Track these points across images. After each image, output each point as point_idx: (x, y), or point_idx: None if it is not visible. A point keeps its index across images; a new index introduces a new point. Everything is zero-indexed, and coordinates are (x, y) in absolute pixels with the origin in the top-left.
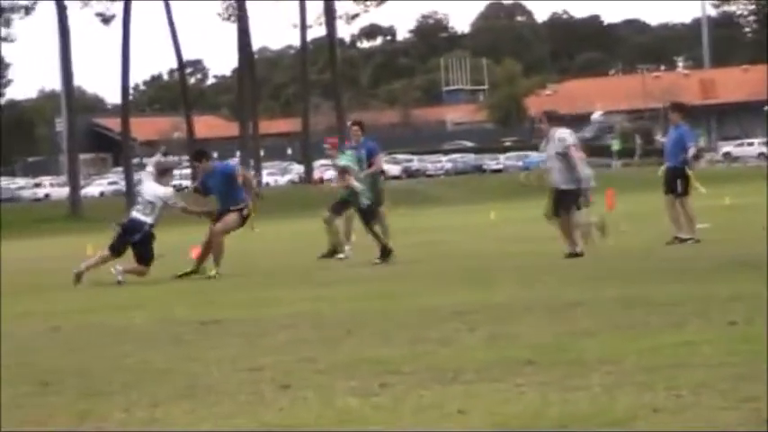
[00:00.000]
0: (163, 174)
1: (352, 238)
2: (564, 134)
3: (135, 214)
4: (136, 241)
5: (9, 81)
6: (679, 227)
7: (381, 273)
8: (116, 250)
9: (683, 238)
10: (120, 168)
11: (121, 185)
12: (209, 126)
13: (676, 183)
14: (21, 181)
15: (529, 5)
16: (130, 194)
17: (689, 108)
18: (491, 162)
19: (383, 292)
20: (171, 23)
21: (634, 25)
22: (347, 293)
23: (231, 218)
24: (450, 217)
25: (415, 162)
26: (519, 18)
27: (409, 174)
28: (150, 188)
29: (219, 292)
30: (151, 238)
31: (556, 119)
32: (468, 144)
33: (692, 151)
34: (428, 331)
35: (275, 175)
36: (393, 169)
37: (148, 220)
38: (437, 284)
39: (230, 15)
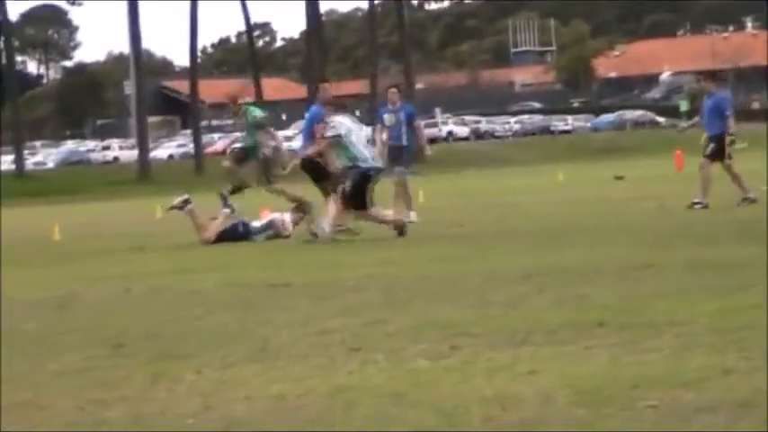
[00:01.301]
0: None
1: (412, 205)
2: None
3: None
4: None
5: (78, 44)
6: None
7: (450, 234)
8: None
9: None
10: (188, 131)
11: (190, 148)
12: (277, 88)
13: (718, 150)
14: (90, 143)
15: None
16: (198, 156)
17: (721, 74)
18: (559, 123)
19: (451, 254)
20: None
21: None
22: (415, 256)
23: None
24: (519, 179)
25: (484, 123)
26: None
27: (478, 135)
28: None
29: (287, 255)
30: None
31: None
32: (537, 105)
33: (731, 120)
34: (497, 294)
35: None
36: (461, 131)
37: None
38: (506, 246)
39: None
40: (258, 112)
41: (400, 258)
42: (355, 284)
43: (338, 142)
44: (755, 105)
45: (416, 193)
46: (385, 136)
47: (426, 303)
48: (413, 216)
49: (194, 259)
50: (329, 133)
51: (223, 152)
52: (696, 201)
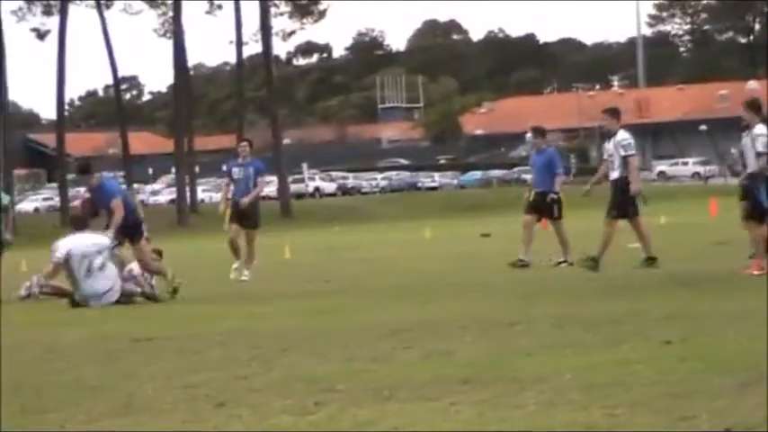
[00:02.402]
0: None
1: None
2: None
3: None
4: None
5: None
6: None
7: (316, 289)
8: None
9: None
10: (54, 184)
11: (56, 201)
12: (144, 142)
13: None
14: None
15: (465, 24)
16: (65, 210)
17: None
18: (426, 180)
19: (318, 308)
20: (107, 39)
21: (569, 44)
22: (282, 310)
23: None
24: (386, 234)
25: (351, 179)
26: (455, 36)
27: (345, 191)
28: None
29: (151, 309)
30: None
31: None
32: (404, 162)
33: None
34: (363, 349)
35: (210, 192)
36: (328, 187)
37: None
38: (372, 301)
39: (166, 32)
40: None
41: (266, 312)
42: (221, 339)
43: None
44: None
45: (282, 249)
46: (231, 188)
47: (292, 358)
48: (246, 274)
49: (55, 312)
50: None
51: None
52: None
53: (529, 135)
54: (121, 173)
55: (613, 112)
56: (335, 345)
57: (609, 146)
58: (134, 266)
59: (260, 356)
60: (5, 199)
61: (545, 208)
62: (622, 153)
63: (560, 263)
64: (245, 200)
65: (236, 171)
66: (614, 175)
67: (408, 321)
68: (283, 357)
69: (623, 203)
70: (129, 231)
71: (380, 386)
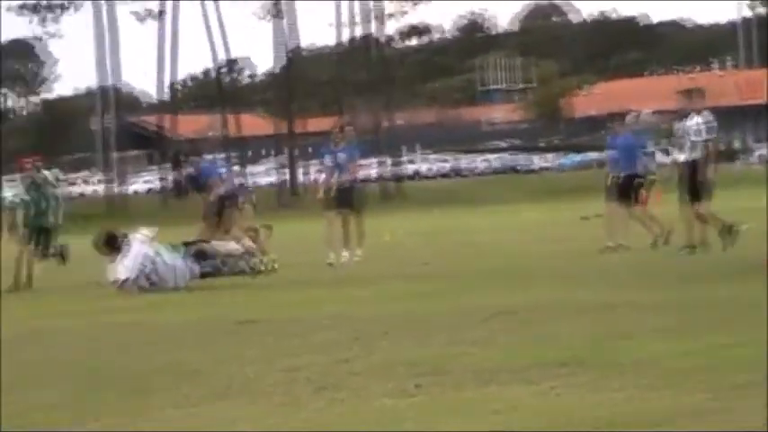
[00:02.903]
0: None
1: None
2: None
3: None
4: None
5: (46, 79)
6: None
7: (417, 273)
8: None
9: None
10: (154, 167)
11: (156, 184)
12: (245, 124)
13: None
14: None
15: (566, 7)
16: (166, 191)
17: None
18: (526, 162)
19: (418, 292)
20: (207, 23)
21: (671, 26)
22: (383, 294)
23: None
24: (486, 217)
25: (451, 162)
26: (556, 19)
27: (445, 174)
28: None
29: (254, 292)
30: None
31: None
32: (504, 144)
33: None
34: (464, 332)
35: (311, 174)
36: (428, 169)
37: None
38: (473, 285)
39: (268, 14)
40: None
41: (368, 297)
42: (323, 322)
43: None
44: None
45: (383, 232)
46: (323, 176)
47: (394, 341)
48: (358, 254)
49: (161, 296)
50: None
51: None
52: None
53: (629, 117)
54: (222, 155)
55: (689, 94)
56: (436, 328)
57: (681, 127)
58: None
59: (361, 340)
60: (51, 175)
61: (626, 192)
62: (700, 138)
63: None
64: (345, 178)
65: (330, 158)
66: (686, 156)
67: (509, 305)
68: (384, 341)
69: (696, 187)
70: (226, 201)
71: (481, 369)
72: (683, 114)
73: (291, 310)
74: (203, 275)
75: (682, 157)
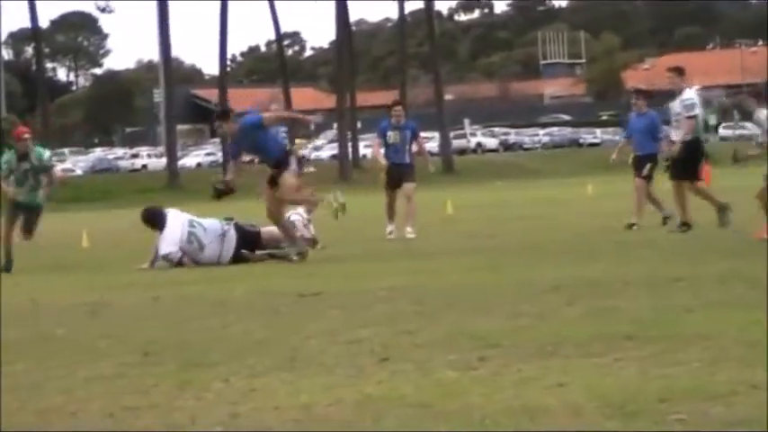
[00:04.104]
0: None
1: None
2: None
3: None
4: None
5: (108, 51)
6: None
7: (480, 245)
8: None
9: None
10: (216, 139)
11: (218, 156)
12: (306, 98)
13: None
14: (119, 151)
15: None
16: (227, 165)
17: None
18: (588, 136)
19: (481, 264)
20: None
21: (735, 1)
22: (446, 266)
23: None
24: (548, 190)
25: (513, 135)
26: None
27: (506, 147)
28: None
29: (317, 265)
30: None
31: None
32: (566, 118)
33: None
34: (527, 305)
35: (369, 148)
36: (490, 142)
37: None
38: (536, 258)
39: None
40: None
41: (430, 268)
42: (385, 294)
43: None
44: None
45: (445, 205)
46: (382, 152)
47: (456, 314)
48: (410, 231)
49: (223, 268)
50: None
51: (251, 161)
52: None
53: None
54: (284, 128)
55: (679, 71)
56: (499, 301)
57: (675, 105)
58: (293, 216)
59: (424, 312)
60: (45, 154)
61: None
62: (686, 113)
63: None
64: (431, 167)
65: (391, 135)
66: (679, 136)
67: (572, 278)
68: (448, 313)
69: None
70: (279, 164)
71: (544, 342)
72: (673, 93)
73: (354, 283)
74: (236, 260)
75: (673, 136)
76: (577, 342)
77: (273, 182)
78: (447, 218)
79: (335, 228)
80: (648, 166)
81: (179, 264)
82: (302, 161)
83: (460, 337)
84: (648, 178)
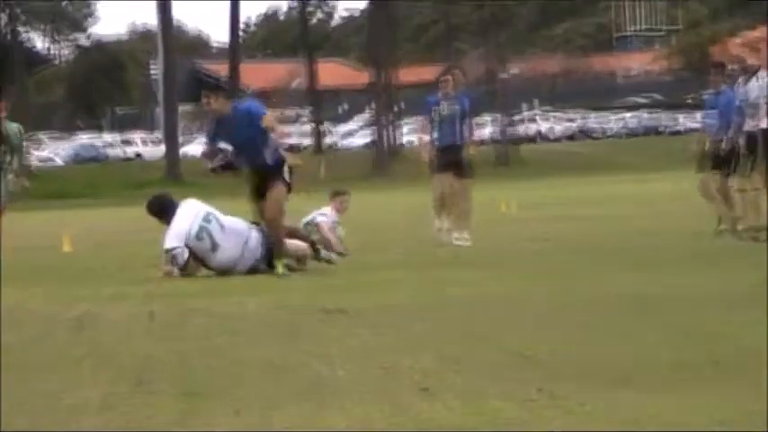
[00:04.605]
0: None
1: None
2: None
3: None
4: None
5: (94, 15)
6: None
7: (542, 251)
8: None
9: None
10: None
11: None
12: (335, 73)
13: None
14: (108, 137)
15: None
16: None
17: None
18: (670, 122)
19: (542, 275)
20: None
21: None
22: (499, 276)
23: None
24: (620, 186)
25: (579, 121)
26: None
27: (572, 135)
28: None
29: (341, 275)
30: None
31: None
32: (643, 100)
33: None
34: (594, 323)
35: (414, 133)
36: (553, 129)
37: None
38: (606, 267)
39: None
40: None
41: (480, 279)
42: (425, 310)
43: None
44: None
45: (500, 203)
46: (427, 139)
47: (510, 334)
48: (465, 237)
49: (231, 278)
50: None
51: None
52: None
53: None
54: (307, 110)
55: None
56: (561, 318)
57: (752, 88)
58: (318, 217)
59: (473, 332)
60: (12, 128)
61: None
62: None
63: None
64: (471, 150)
65: (439, 109)
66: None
67: (649, 291)
68: (500, 333)
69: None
70: (270, 173)
71: (612, 369)
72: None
73: (388, 297)
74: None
75: (748, 124)
76: (651, 369)
77: (259, 193)
78: (502, 218)
79: (366, 229)
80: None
81: (184, 269)
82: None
83: (514, 361)
84: (727, 170)
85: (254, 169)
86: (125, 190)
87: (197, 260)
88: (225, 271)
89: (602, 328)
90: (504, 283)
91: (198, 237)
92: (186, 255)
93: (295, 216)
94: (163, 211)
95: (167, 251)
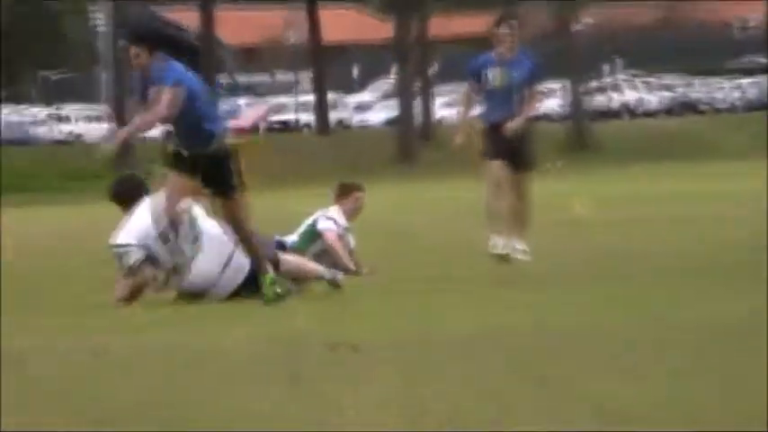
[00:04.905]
0: None
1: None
2: None
3: None
4: None
5: None
6: None
7: (619, 267)
8: None
9: None
10: None
11: None
12: (346, 24)
13: None
14: (37, 110)
15: None
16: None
17: None
18: None
19: (617, 297)
20: None
21: None
22: (563, 300)
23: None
24: (726, 179)
25: (681, 89)
26: None
27: (670, 108)
28: None
29: (344, 298)
30: None
31: None
32: (764, 61)
33: None
34: (679, 360)
35: (452, 107)
36: (645, 100)
37: None
38: (698, 288)
39: None
40: None
41: (537, 303)
42: (464, 345)
43: None
44: None
45: (571, 201)
46: (469, 113)
47: (573, 373)
48: (520, 249)
49: (212, 305)
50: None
51: (256, 129)
52: None
53: None
54: (308, 73)
55: None
56: (637, 354)
57: None
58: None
59: (524, 371)
60: None
61: None
62: None
63: None
64: (513, 124)
65: (490, 75)
66: None
67: (750, 320)
68: (560, 372)
69: None
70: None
71: (701, 419)
72: None
73: (413, 328)
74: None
75: None
76: (744, 422)
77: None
78: (573, 221)
79: (385, 235)
80: None
81: (133, 274)
82: None
83: (575, 405)
84: None
85: (195, 155)
86: (59, 181)
87: (152, 269)
88: (196, 293)
89: (686, 367)
90: (569, 309)
91: (162, 237)
92: (139, 256)
93: (294, 219)
94: (126, 195)
95: (113, 247)
